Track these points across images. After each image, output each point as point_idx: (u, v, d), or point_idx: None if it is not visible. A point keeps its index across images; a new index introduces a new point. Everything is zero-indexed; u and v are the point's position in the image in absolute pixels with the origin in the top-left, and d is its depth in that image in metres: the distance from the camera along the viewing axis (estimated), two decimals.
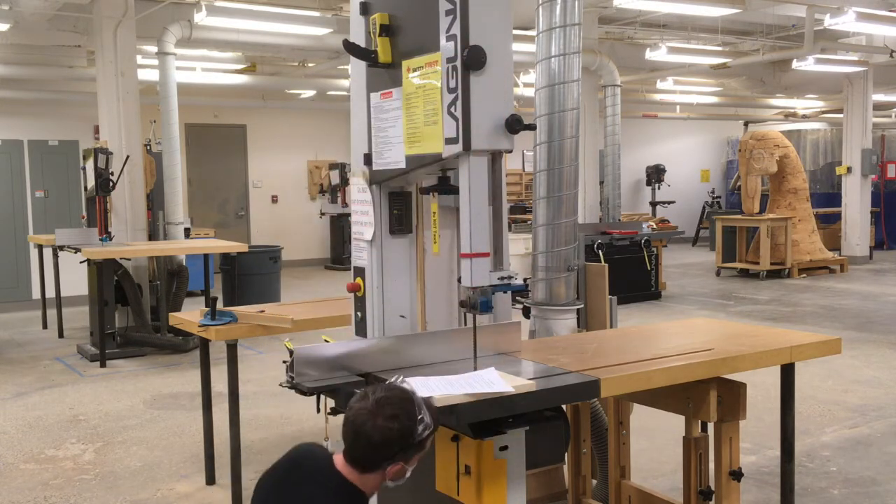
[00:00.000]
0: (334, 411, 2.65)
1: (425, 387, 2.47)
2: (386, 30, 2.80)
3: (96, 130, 10.37)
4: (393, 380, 2.35)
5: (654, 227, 12.25)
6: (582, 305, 3.94)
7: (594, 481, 3.93)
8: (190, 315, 4.58)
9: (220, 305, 4.47)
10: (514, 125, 2.55)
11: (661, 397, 3.20)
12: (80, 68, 11.04)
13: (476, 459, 2.51)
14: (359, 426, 2.24)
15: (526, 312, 3.91)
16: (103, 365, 7.70)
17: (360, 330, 3.13)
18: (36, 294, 11.39)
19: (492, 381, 2.51)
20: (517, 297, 3.86)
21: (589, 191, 12.14)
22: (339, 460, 2.35)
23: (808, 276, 13.25)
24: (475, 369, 2.69)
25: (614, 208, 11.94)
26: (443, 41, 2.56)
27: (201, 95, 12.91)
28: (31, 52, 10.64)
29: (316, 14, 9.66)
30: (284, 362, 2.73)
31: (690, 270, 14.47)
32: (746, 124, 20.75)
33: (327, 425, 2.86)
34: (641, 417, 4.26)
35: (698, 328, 3.78)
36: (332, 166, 15.64)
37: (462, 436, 2.56)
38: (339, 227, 15.48)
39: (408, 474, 2.35)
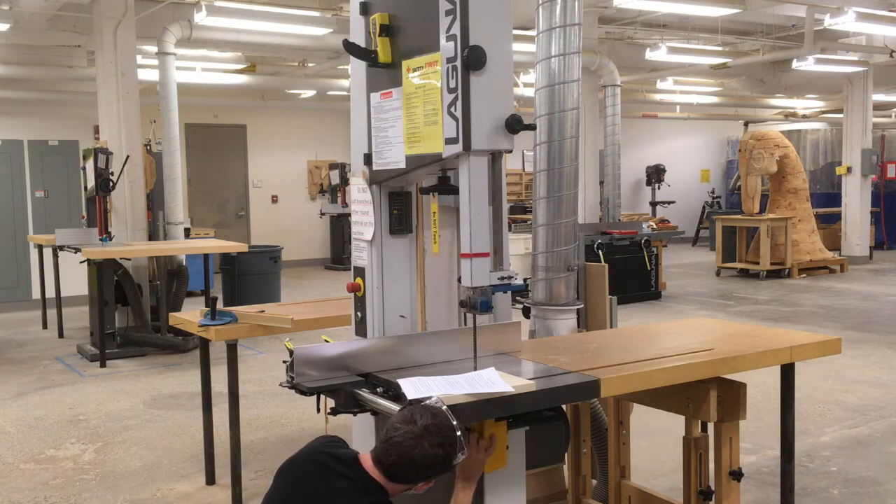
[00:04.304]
0: (334, 411, 2.65)
1: (426, 387, 2.47)
2: (386, 30, 2.80)
3: (96, 130, 10.37)
4: (433, 402, 2.38)
5: (654, 227, 12.24)
6: (582, 305, 3.94)
7: (594, 481, 3.93)
8: (190, 315, 4.58)
9: (220, 305, 4.47)
10: (514, 125, 2.55)
11: (661, 397, 3.20)
12: (80, 68, 11.05)
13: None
14: (405, 449, 2.32)
15: (526, 312, 3.91)
16: (103, 365, 7.70)
17: (360, 330, 3.13)
18: (36, 294, 11.39)
19: (492, 381, 2.51)
20: (517, 297, 3.86)
21: (589, 191, 12.14)
22: (366, 461, 2.39)
23: (808, 276, 13.25)
24: (475, 369, 2.69)
25: (614, 208, 11.94)
26: (443, 41, 2.56)
27: (201, 95, 12.91)
28: (31, 52, 10.65)
29: (316, 14, 9.67)
30: (284, 362, 2.73)
31: (690, 270, 14.47)
32: (746, 124, 20.76)
33: (327, 425, 2.86)
34: (641, 417, 4.26)
35: (698, 328, 3.78)
36: (332, 166, 15.64)
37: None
38: (339, 227, 15.48)
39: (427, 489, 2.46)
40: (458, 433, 2.33)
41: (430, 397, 2.40)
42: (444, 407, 2.36)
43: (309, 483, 2.40)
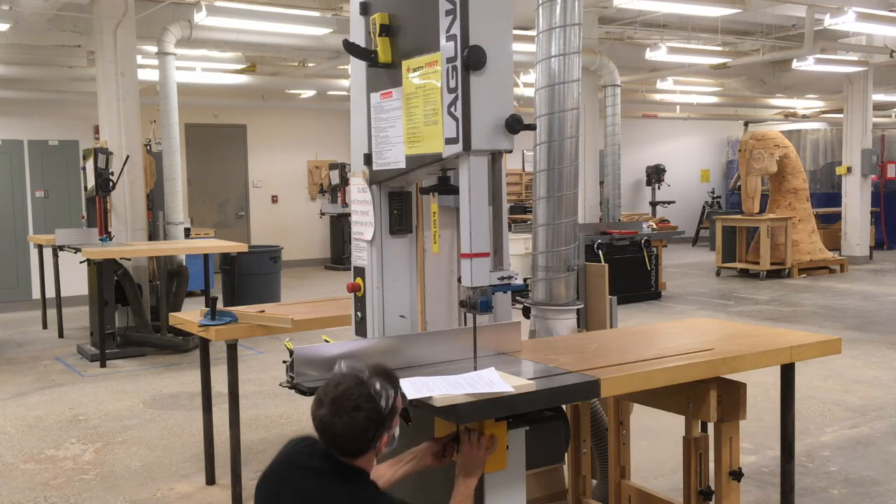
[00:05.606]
0: None
1: (426, 387, 2.47)
2: (386, 30, 2.80)
3: (96, 130, 10.37)
4: (336, 370, 2.36)
5: (654, 227, 12.24)
6: (582, 305, 3.94)
7: (594, 481, 3.94)
8: (190, 315, 4.58)
9: (220, 305, 4.47)
10: (514, 125, 2.55)
11: (661, 397, 3.20)
12: (80, 68, 11.05)
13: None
14: (329, 431, 2.28)
15: (526, 312, 3.91)
16: (103, 365, 7.70)
17: (360, 330, 3.13)
18: (36, 294, 11.39)
19: (492, 381, 2.51)
20: (517, 297, 3.86)
21: (589, 191, 12.14)
22: (332, 450, 2.37)
23: (808, 276, 13.25)
24: (475, 369, 2.69)
25: (614, 208, 11.93)
26: (443, 41, 2.56)
27: (201, 95, 12.91)
28: (31, 52, 10.65)
29: (316, 14, 9.66)
30: (284, 362, 2.73)
31: (690, 270, 14.47)
32: (746, 124, 20.75)
33: None
34: (641, 417, 4.26)
35: (698, 328, 3.78)
36: (332, 166, 15.64)
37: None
38: (339, 227, 15.48)
39: (396, 437, 2.40)
40: (368, 382, 2.28)
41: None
42: (344, 365, 2.33)
43: (288, 488, 2.35)
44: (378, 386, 2.29)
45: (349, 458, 2.32)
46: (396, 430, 2.39)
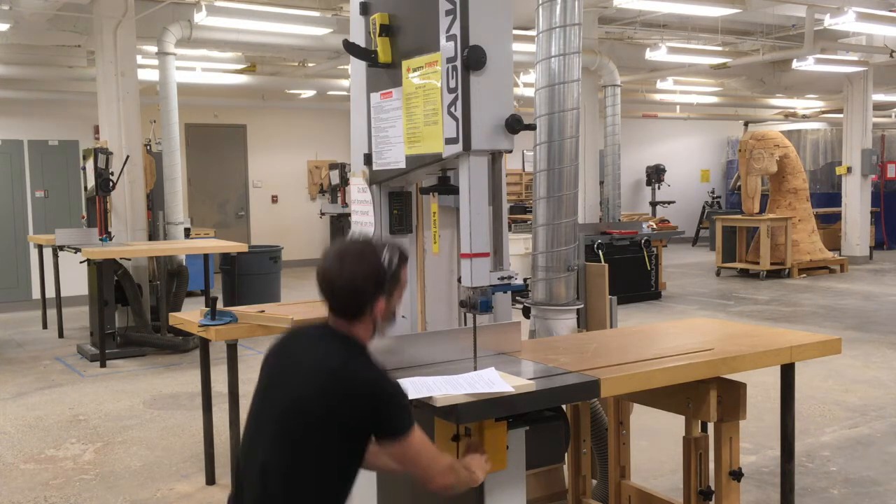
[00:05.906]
0: None
1: (426, 387, 2.47)
2: (386, 30, 2.80)
3: (96, 130, 10.37)
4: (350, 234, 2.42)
5: (654, 227, 12.24)
6: (582, 305, 3.94)
7: (594, 481, 3.94)
8: (190, 315, 4.58)
9: (220, 305, 4.47)
10: (514, 125, 2.55)
11: (661, 397, 3.20)
12: (80, 68, 11.05)
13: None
14: (331, 280, 2.33)
15: (526, 312, 3.91)
16: (103, 365, 7.70)
17: None
18: (36, 294, 11.38)
19: (492, 381, 2.51)
20: (517, 297, 3.86)
21: (589, 191, 12.14)
22: (331, 319, 2.40)
23: (808, 276, 13.25)
24: (475, 369, 2.69)
25: (614, 208, 11.93)
26: (443, 41, 2.56)
27: (201, 95, 12.91)
28: (31, 52, 10.65)
29: (316, 14, 9.66)
30: None
31: (690, 270, 14.47)
32: (746, 124, 20.75)
33: None
34: (641, 417, 4.26)
35: (698, 328, 3.78)
36: (332, 166, 15.62)
37: (463, 436, 2.57)
38: (339, 227, 15.47)
39: (396, 314, 2.44)
40: (375, 243, 2.35)
41: (429, 397, 2.39)
42: (361, 233, 2.35)
43: (286, 355, 2.40)
44: (384, 249, 2.34)
45: (346, 320, 2.35)
46: (397, 308, 2.42)
